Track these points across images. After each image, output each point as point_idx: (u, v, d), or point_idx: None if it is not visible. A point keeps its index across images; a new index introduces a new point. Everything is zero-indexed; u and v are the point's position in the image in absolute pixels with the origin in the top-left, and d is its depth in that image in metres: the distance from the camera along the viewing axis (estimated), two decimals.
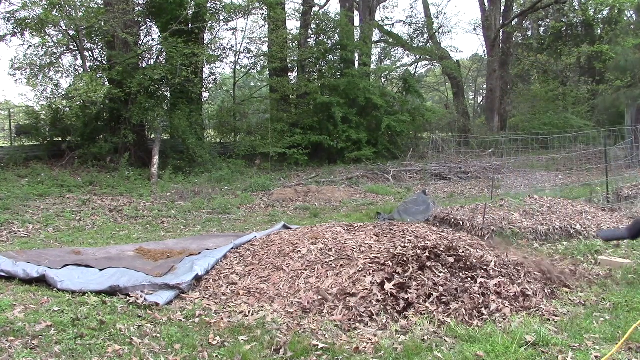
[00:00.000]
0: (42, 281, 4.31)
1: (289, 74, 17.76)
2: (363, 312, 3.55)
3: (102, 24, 11.72)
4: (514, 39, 23.18)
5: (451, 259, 4.05)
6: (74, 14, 11.73)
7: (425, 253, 4.09)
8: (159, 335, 3.31)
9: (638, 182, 8.78)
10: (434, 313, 3.50)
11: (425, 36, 24.18)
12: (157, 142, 12.90)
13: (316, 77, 17.90)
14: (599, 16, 20.05)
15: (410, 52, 23.46)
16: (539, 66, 22.11)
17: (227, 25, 15.28)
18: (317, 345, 3.13)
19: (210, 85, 16.49)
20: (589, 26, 20.35)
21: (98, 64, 13.45)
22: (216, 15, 14.55)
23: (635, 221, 4.66)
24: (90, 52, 13.67)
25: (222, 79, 18.89)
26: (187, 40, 12.64)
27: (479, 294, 3.69)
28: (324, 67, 18.03)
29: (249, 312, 3.71)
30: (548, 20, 22.32)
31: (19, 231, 6.99)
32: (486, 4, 21.79)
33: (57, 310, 3.67)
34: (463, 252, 4.25)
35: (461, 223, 6.58)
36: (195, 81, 13.53)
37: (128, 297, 3.96)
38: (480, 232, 6.20)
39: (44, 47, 12.77)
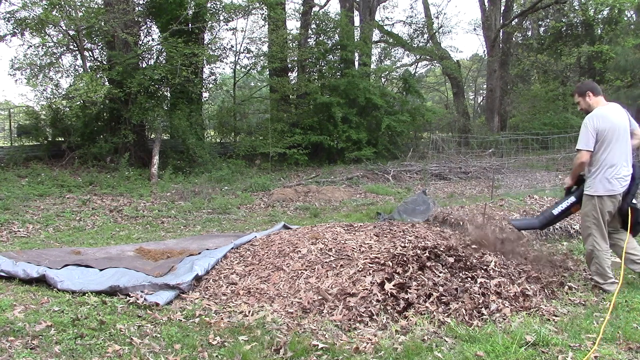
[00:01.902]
0: (42, 281, 4.31)
1: (289, 74, 17.77)
2: (363, 312, 3.55)
3: (102, 24, 11.72)
4: (514, 39, 23.17)
5: (451, 259, 4.06)
6: (74, 14, 11.74)
7: (425, 253, 4.09)
8: (159, 335, 3.31)
9: None
10: (434, 313, 3.50)
11: (425, 36, 24.21)
12: (157, 142, 12.91)
13: (316, 77, 17.91)
14: (599, 16, 20.03)
15: (410, 52, 23.48)
16: (539, 66, 22.12)
17: (227, 25, 15.30)
18: (317, 345, 3.13)
19: (210, 85, 16.50)
20: (589, 26, 20.34)
21: (98, 64, 13.45)
22: (216, 15, 14.56)
23: (545, 211, 4.72)
24: (90, 52, 13.67)
25: (222, 79, 18.91)
26: (187, 40, 12.64)
27: (479, 294, 3.69)
28: (324, 67, 18.04)
29: (249, 312, 3.71)
30: (548, 20, 22.30)
31: (19, 231, 6.99)
32: (486, 4, 21.79)
33: (57, 310, 3.67)
34: (463, 252, 4.25)
35: (461, 223, 6.57)
36: (195, 81, 13.54)
37: (128, 297, 3.96)
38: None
39: (44, 47, 12.78)
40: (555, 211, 4.48)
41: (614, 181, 3.98)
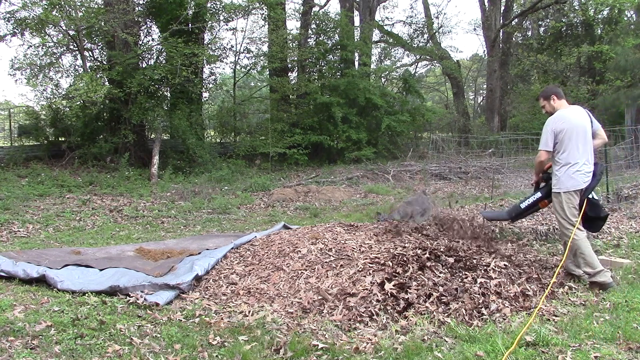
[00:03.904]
0: (42, 281, 4.31)
1: (289, 74, 17.77)
2: (363, 312, 3.55)
3: (102, 24, 11.73)
4: (514, 39, 23.17)
5: (451, 259, 4.06)
6: (74, 14, 11.74)
7: (425, 253, 4.09)
8: (159, 335, 3.31)
9: (638, 182, 8.78)
10: (434, 313, 3.50)
11: (425, 36, 24.23)
12: (157, 142, 12.91)
13: (316, 77, 17.92)
14: (599, 16, 20.01)
15: (410, 52, 23.50)
16: (539, 66, 22.08)
17: (227, 25, 15.32)
18: (317, 345, 3.13)
19: (210, 85, 16.51)
20: (589, 26, 20.32)
21: (98, 64, 13.46)
22: (216, 15, 14.56)
23: (514, 205, 4.95)
24: (90, 52, 13.68)
25: (222, 79, 18.92)
26: (187, 40, 12.65)
27: (479, 294, 3.69)
28: (324, 67, 18.05)
29: (249, 312, 3.71)
30: (548, 20, 22.29)
31: (19, 231, 6.99)
32: (486, 4, 21.80)
33: (57, 310, 3.67)
34: (463, 252, 4.25)
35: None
36: (195, 81, 13.54)
37: (128, 297, 3.96)
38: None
39: (44, 47, 12.78)
40: (523, 205, 4.79)
41: (577, 177, 4.19)
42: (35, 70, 12.95)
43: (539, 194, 4.62)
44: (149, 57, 14.15)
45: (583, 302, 3.85)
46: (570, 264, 4.33)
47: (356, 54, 18.03)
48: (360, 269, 4.01)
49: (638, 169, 10.80)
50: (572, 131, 4.20)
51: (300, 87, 16.53)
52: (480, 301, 3.63)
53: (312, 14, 19.03)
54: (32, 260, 4.78)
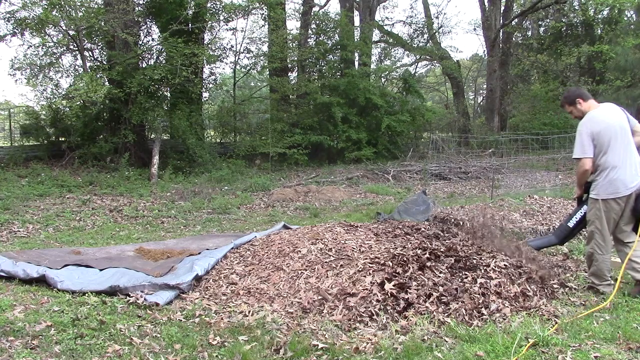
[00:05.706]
0: (42, 281, 4.31)
1: (289, 74, 17.79)
2: (363, 312, 3.55)
3: (102, 24, 11.73)
4: (514, 39, 23.16)
5: (451, 259, 4.05)
6: (74, 14, 11.74)
7: (425, 253, 4.09)
8: (159, 335, 3.31)
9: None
10: (434, 313, 3.50)
11: (425, 36, 24.24)
12: (157, 142, 12.91)
13: (316, 77, 17.93)
14: (599, 16, 20.03)
15: (410, 52, 23.50)
16: (539, 66, 22.10)
17: (227, 25, 15.32)
18: (317, 345, 3.13)
19: (210, 85, 16.52)
20: (589, 26, 20.33)
21: (98, 64, 13.46)
22: (216, 15, 14.57)
23: (561, 226, 4.61)
24: (90, 52, 13.68)
25: (222, 79, 18.92)
26: (187, 40, 12.65)
27: (479, 294, 3.69)
28: (324, 67, 18.06)
29: (249, 312, 3.71)
30: (548, 20, 22.30)
31: (19, 231, 6.99)
32: (486, 4, 21.78)
33: (57, 310, 3.67)
34: (463, 252, 4.25)
35: (461, 223, 6.57)
36: (195, 81, 13.54)
37: (128, 297, 3.96)
38: (481, 232, 6.19)
39: (44, 47, 12.79)
40: (571, 224, 4.35)
41: (619, 183, 3.86)
42: (35, 70, 12.96)
43: (585, 207, 4.22)
44: (149, 57, 14.16)
45: (583, 302, 3.85)
46: (631, 269, 3.98)
47: (356, 54, 18.04)
48: (360, 269, 4.01)
49: None
50: (610, 131, 3.84)
51: (300, 87, 16.53)
52: (480, 301, 3.63)
53: (312, 14, 19.05)
54: (32, 260, 4.78)
